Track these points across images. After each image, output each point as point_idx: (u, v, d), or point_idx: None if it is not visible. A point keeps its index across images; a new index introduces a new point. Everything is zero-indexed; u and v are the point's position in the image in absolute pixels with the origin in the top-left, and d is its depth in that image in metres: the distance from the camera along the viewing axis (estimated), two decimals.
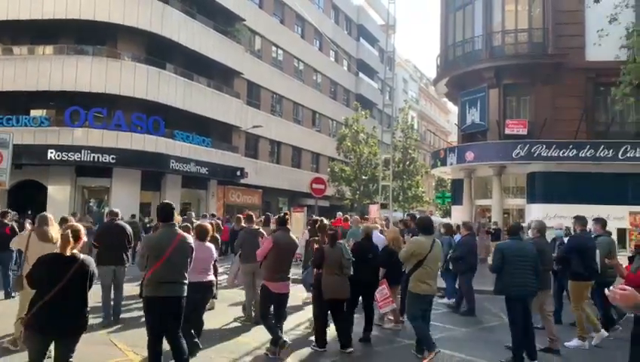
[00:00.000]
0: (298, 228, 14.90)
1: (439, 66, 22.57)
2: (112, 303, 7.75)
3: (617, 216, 16.20)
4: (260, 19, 29.63)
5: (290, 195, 32.63)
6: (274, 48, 31.71)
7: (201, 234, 6.25)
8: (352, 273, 6.71)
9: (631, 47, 14.61)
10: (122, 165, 20.95)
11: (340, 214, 13.70)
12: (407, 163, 32.70)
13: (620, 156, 16.76)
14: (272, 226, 9.70)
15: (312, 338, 6.93)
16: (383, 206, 28.38)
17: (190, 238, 5.31)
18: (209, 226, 6.52)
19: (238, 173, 26.02)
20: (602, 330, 7.40)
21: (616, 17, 14.09)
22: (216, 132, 25.96)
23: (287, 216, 6.70)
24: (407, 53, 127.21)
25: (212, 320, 7.92)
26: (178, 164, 22.47)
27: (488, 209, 19.89)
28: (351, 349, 6.57)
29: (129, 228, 8.22)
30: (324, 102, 37.36)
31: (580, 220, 7.90)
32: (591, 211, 16.50)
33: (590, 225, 8.28)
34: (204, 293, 6.13)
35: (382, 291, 7.39)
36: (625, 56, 15.14)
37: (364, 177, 31.04)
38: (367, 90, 43.13)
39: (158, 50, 22.78)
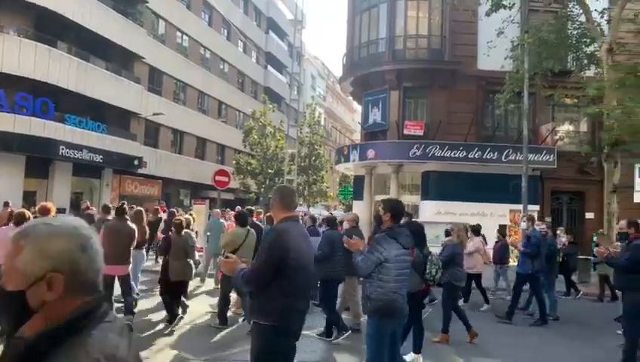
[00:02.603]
0: (200, 221, 14.51)
1: (345, 65, 23.14)
2: None
3: (500, 214, 17.76)
4: (164, 2, 28.28)
5: (192, 187, 31.69)
6: (179, 34, 30.51)
7: (19, 219, 6.62)
8: (196, 258, 7.74)
9: (515, 59, 15.99)
10: (3, 149, 18.99)
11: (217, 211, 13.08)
12: (313, 158, 33.18)
13: (503, 159, 18.30)
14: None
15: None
16: None
17: None
18: (27, 212, 6.99)
19: (136, 162, 24.75)
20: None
21: (503, 31, 15.35)
22: (112, 118, 24.46)
23: (124, 206, 7.49)
24: (316, 50, 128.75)
25: None
26: (69, 151, 20.86)
27: None
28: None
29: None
30: (231, 92, 36.68)
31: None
32: (477, 208, 18.01)
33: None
34: None
35: None
36: (510, 66, 16.56)
37: (269, 171, 30.98)
38: (275, 84, 43.03)
39: (48, 27, 20.90)
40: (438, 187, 18.98)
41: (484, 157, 18.30)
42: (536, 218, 9.76)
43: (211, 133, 33.87)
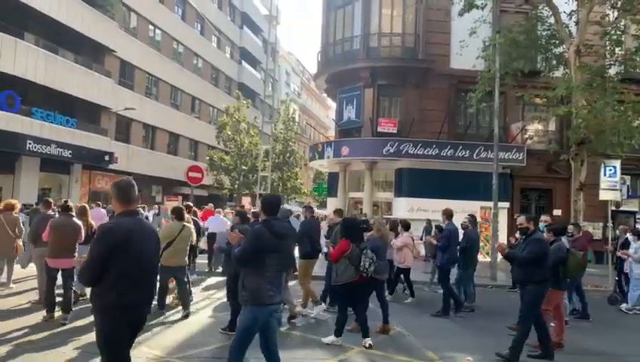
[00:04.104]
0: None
1: (319, 62, 23.13)
2: None
3: (471, 211, 17.99)
4: None
5: (164, 183, 31.25)
6: (151, 27, 29.98)
7: None
8: None
9: (486, 58, 16.25)
10: None
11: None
12: (287, 155, 33.14)
13: (474, 156, 18.63)
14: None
15: None
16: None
17: None
18: None
19: (107, 157, 24.26)
20: (322, 304, 8.46)
21: (475, 31, 15.58)
22: (82, 112, 23.91)
23: (68, 204, 7.65)
24: (290, 46, 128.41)
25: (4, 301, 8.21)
26: (36, 145, 20.31)
27: (360, 201, 20.91)
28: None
29: None
30: (205, 88, 36.26)
31: (309, 209, 9.32)
32: (448, 205, 18.21)
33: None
34: None
35: None
36: (481, 66, 16.82)
37: (244, 167, 30.81)
38: (249, 80, 42.74)
39: (14, 17, 20.27)
40: (411, 184, 19.18)
41: (456, 154, 18.58)
42: (453, 214, 10.28)
43: (184, 129, 33.45)
